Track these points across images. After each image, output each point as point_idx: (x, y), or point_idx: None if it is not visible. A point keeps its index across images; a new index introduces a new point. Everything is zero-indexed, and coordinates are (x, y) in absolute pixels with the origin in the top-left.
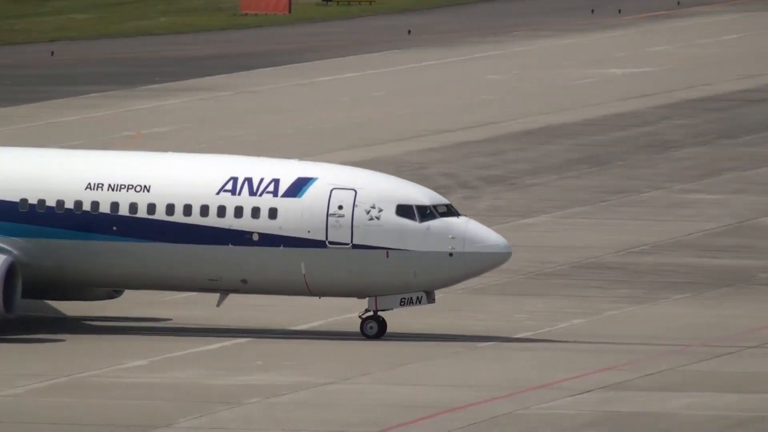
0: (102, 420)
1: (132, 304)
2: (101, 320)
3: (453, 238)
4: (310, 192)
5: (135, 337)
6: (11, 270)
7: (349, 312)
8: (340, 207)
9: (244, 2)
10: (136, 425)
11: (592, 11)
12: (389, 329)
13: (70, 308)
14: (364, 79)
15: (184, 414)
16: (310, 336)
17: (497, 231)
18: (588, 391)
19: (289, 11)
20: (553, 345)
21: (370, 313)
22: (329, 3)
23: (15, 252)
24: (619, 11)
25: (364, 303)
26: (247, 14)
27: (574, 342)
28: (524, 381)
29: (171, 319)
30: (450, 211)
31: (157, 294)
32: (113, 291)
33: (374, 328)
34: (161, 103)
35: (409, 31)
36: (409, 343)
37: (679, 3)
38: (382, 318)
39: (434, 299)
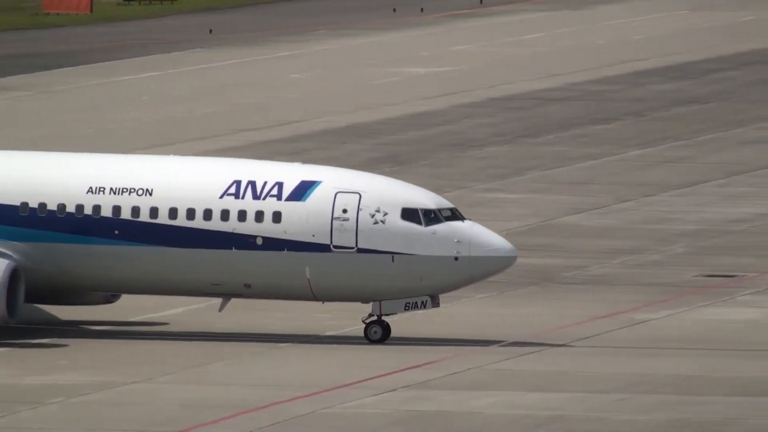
0: None
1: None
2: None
3: (458, 242)
4: (315, 195)
5: None
6: (14, 275)
7: (154, 311)
8: (345, 211)
9: (46, 1)
10: None
11: (394, 10)
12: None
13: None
14: (165, 78)
15: None
16: (113, 336)
17: None
18: (391, 390)
19: (91, 11)
20: (357, 344)
21: (374, 318)
22: (131, 2)
23: (16, 256)
24: (422, 10)
25: (367, 307)
26: (49, 14)
27: (378, 341)
28: (327, 380)
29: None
30: (455, 215)
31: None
32: (110, 295)
33: (378, 333)
34: None
35: (211, 30)
36: (213, 343)
37: (481, 2)
38: (386, 323)
39: (439, 303)
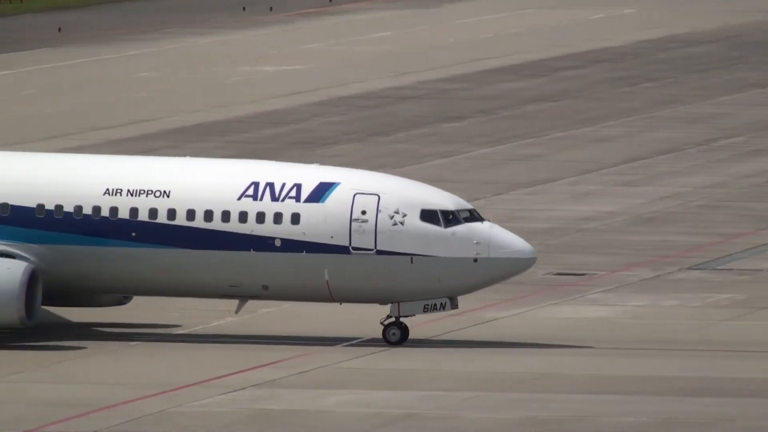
0: None
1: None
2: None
3: (478, 243)
4: (333, 197)
5: None
6: (33, 277)
7: None
8: (364, 212)
9: None
10: None
11: (244, 9)
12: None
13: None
14: (14, 78)
15: None
16: None
17: None
18: (241, 389)
19: None
20: (206, 343)
21: (392, 320)
22: None
23: (32, 258)
24: (271, 9)
25: (385, 309)
26: None
27: (228, 340)
28: (177, 379)
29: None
30: (473, 216)
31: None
32: (123, 297)
33: (397, 335)
34: None
35: (60, 29)
36: (64, 342)
37: (330, 1)
38: (405, 324)
39: (457, 305)
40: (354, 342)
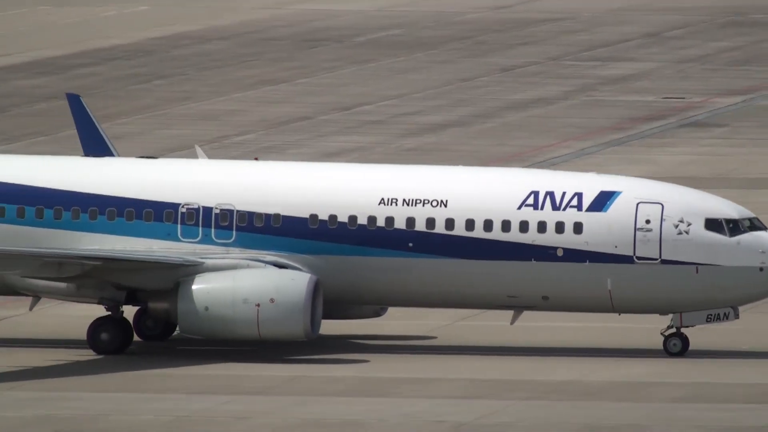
0: None
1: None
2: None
3: (763, 252)
4: (616, 206)
5: None
6: (316, 288)
7: None
8: (648, 221)
9: None
10: None
11: None
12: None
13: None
14: None
15: None
16: None
17: None
18: None
19: None
20: None
21: (673, 330)
22: None
23: (305, 270)
24: None
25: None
26: None
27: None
28: None
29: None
30: (754, 225)
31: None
32: (380, 308)
33: (678, 345)
34: None
35: None
36: None
37: None
38: (685, 335)
39: (739, 314)
40: None
